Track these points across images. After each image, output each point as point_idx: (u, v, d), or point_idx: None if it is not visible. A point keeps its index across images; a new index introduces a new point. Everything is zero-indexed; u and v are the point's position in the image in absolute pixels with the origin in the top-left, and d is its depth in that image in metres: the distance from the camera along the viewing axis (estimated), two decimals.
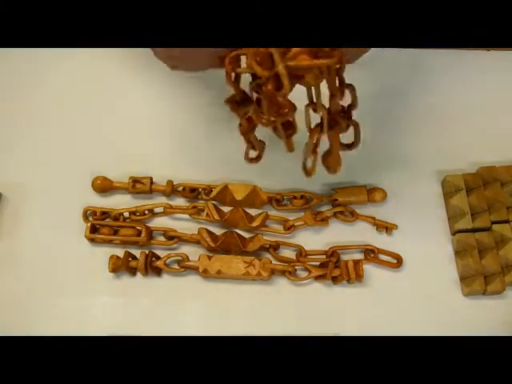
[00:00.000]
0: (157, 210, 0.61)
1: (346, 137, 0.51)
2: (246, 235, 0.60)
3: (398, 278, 0.59)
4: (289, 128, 0.50)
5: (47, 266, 0.59)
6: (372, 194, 0.61)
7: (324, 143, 0.50)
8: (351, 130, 0.50)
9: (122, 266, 0.57)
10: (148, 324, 0.57)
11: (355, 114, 0.50)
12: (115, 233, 0.60)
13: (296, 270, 0.59)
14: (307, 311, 0.58)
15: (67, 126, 0.66)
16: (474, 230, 0.60)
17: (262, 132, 0.53)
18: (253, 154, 0.55)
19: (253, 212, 0.61)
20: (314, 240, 0.61)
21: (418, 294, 0.59)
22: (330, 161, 0.53)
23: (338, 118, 0.49)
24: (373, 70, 0.66)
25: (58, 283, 0.58)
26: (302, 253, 0.60)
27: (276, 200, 0.61)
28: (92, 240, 0.60)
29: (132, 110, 0.67)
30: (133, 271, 0.59)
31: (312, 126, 0.49)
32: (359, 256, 0.60)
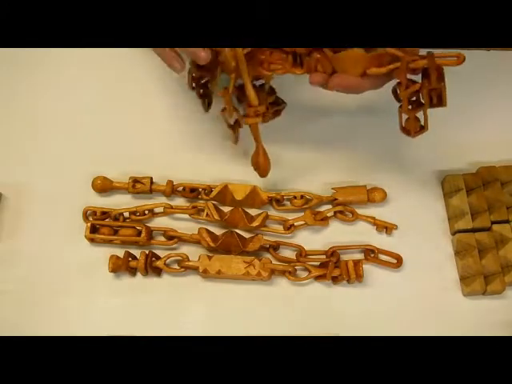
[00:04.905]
0: (157, 209, 0.61)
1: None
2: (246, 235, 0.60)
3: (398, 278, 0.59)
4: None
5: (47, 265, 0.59)
6: (372, 193, 0.61)
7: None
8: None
9: (122, 266, 0.57)
10: (148, 324, 0.57)
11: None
12: (115, 233, 0.60)
13: (296, 270, 0.59)
14: (307, 311, 0.58)
15: (67, 127, 0.66)
16: (474, 230, 0.60)
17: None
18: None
19: (253, 212, 0.61)
20: (314, 240, 0.61)
21: (418, 294, 0.59)
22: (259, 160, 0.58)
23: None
24: None
25: (58, 283, 0.58)
26: (302, 253, 0.60)
27: (276, 200, 0.61)
28: (92, 240, 0.60)
29: (132, 110, 0.67)
30: (133, 271, 0.59)
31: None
32: (359, 256, 0.60)
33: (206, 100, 0.62)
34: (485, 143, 0.65)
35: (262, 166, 0.58)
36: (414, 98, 0.52)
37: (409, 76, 0.50)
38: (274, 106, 0.59)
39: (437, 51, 0.48)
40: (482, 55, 0.68)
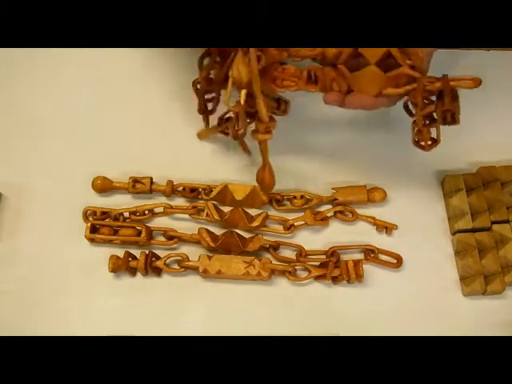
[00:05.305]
0: (157, 209, 0.61)
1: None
2: (246, 235, 0.60)
3: (398, 278, 0.59)
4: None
5: (47, 265, 0.59)
6: (372, 193, 0.61)
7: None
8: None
9: (122, 266, 0.57)
10: (148, 324, 0.57)
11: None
12: (115, 233, 0.60)
13: (296, 270, 0.59)
14: (307, 311, 0.58)
15: (67, 127, 0.66)
16: (474, 230, 0.60)
17: None
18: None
19: (253, 212, 0.61)
20: (314, 240, 0.61)
21: (418, 293, 0.59)
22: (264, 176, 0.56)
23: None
24: None
25: (58, 283, 0.58)
26: (302, 253, 0.59)
27: (276, 200, 0.61)
28: (92, 240, 0.60)
29: (132, 110, 0.67)
30: (133, 271, 0.59)
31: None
32: (359, 256, 0.60)
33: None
34: (485, 143, 0.65)
35: (267, 182, 0.57)
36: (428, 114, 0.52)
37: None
38: (280, 111, 0.58)
39: (452, 74, 0.49)
40: (482, 55, 0.68)
